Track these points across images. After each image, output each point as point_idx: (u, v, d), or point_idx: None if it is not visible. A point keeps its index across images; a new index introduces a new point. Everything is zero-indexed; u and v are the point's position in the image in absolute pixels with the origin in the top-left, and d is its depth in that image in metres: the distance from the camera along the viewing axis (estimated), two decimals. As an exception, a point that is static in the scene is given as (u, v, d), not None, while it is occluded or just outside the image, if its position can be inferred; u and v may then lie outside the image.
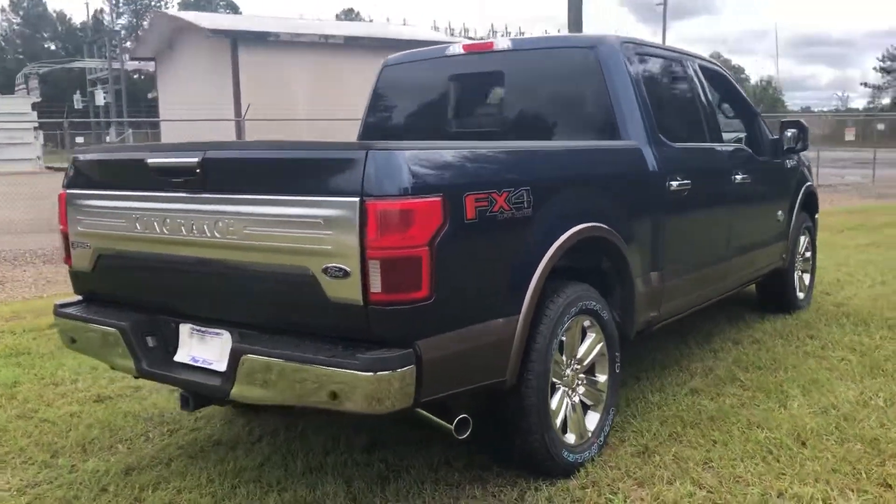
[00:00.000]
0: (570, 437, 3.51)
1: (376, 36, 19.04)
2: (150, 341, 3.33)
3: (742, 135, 5.82)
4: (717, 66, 5.63)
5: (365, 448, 3.80)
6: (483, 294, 3.02)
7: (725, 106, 5.88)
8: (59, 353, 5.44)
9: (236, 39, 21.07)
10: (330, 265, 2.72)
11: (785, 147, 5.73)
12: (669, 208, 4.24)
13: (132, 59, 39.00)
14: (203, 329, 3.24)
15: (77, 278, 3.69)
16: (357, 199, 2.65)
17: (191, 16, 27.39)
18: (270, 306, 2.99)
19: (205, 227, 3.04)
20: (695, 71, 4.99)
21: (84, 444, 3.99)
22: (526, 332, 3.16)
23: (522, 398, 3.22)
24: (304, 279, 2.80)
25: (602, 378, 3.70)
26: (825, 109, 67.76)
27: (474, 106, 4.81)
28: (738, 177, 5.05)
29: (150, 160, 3.22)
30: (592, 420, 3.66)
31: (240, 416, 4.28)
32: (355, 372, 2.65)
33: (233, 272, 3.02)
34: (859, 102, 70.75)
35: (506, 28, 52.98)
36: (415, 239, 2.69)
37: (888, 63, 72.95)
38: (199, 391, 3.23)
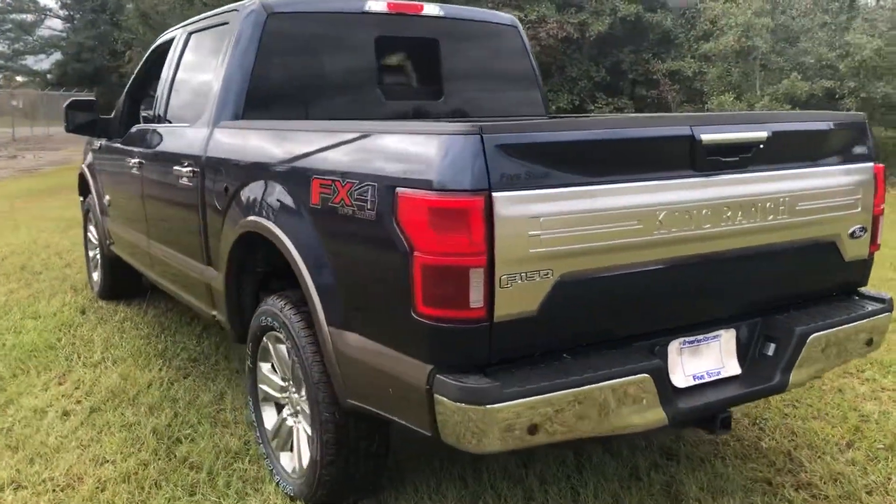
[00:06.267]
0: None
1: None
2: None
3: None
4: None
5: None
6: None
7: None
8: None
9: None
10: (856, 227, 2.96)
11: None
12: None
13: None
14: (696, 338, 2.68)
15: (485, 335, 2.19)
16: (871, 164, 2.99)
17: None
18: (786, 283, 2.86)
19: (754, 210, 2.62)
20: None
21: None
22: None
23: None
24: (826, 246, 2.90)
25: None
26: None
27: (404, 74, 4.19)
28: None
29: (704, 136, 2.41)
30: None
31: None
32: (888, 314, 3.04)
33: (762, 257, 2.72)
34: None
35: None
36: None
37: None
38: (734, 404, 2.72)
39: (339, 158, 2.63)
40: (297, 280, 3.12)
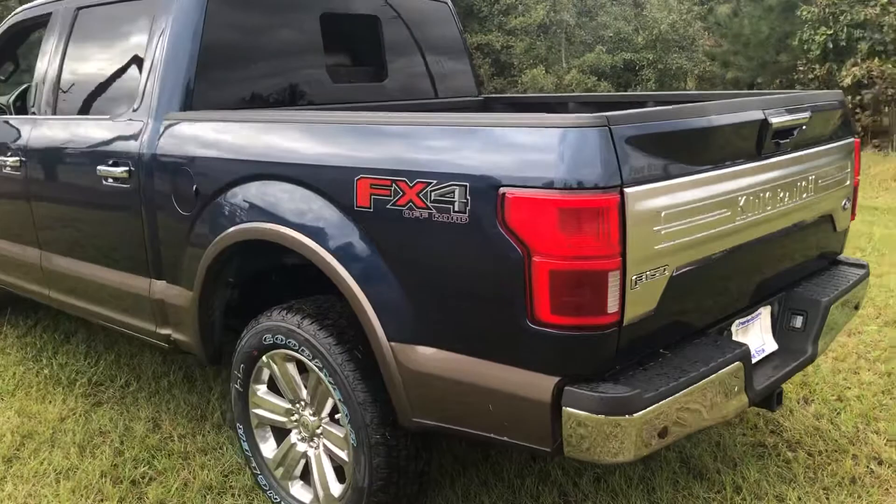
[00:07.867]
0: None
1: None
2: None
3: None
4: None
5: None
6: None
7: None
8: None
9: None
10: (846, 200, 3.14)
11: None
12: None
13: None
14: (747, 319, 2.73)
15: (615, 340, 2.07)
16: (853, 139, 3.19)
17: None
18: (801, 257, 2.98)
19: (794, 190, 2.69)
20: None
21: None
22: None
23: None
24: (827, 219, 3.07)
25: None
26: None
27: (350, 56, 3.83)
28: None
29: (773, 119, 2.40)
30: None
31: None
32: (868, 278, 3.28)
33: (793, 234, 2.81)
34: None
35: None
36: None
37: None
38: (787, 379, 2.76)
39: (403, 156, 2.34)
40: (278, 293, 2.87)
